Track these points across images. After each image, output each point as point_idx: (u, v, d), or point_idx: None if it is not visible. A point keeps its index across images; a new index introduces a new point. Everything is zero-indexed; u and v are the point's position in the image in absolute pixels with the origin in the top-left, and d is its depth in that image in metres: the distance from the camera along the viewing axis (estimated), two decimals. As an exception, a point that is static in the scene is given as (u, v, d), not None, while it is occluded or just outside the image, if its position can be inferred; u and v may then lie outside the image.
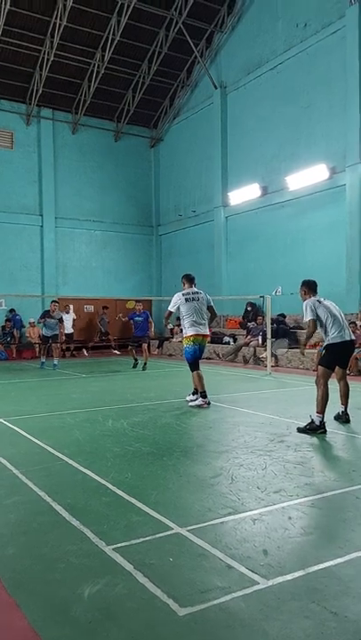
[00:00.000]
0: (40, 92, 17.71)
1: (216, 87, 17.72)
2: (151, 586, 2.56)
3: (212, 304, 7.71)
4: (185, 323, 7.41)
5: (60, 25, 15.76)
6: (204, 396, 7.45)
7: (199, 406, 7.40)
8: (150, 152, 21.31)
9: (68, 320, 17.70)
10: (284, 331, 14.00)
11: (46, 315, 13.62)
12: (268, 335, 12.27)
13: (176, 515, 3.45)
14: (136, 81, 18.83)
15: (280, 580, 2.61)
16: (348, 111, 13.29)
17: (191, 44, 17.09)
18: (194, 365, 7.54)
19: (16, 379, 11.70)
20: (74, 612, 2.38)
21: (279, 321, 14.15)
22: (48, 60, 16.83)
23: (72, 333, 17.80)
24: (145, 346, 12.98)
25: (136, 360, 13.15)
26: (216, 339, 16.56)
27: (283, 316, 14.36)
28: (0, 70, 17.22)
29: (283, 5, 15.33)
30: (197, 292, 7.51)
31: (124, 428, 6.21)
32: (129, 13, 15.70)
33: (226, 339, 16.09)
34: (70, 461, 4.75)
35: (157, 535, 3.15)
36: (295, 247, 15.04)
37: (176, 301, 7.40)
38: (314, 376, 11.42)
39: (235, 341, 15.58)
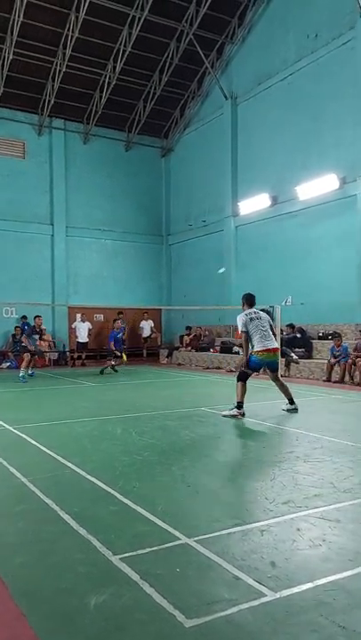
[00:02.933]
0: (52, 102, 17.93)
1: (227, 98, 17.83)
2: (158, 597, 2.54)
3: (272, 323, 8.10)
4: (253, 340, 7.61)
5: (72, 36, 15.99)
6: (239, 406, 7.45)
7: (233, 416, 7.35)
8: (161, 162, 21.45)
9: (84, 329, 17.80)
10: (305, 340, 14.00)
11: (32, 330, 13.68)
12: (279, 345, 12.22)
13: (184, 525, 3.43)
14: (147, 91, 19.01)
15: (288, 592, 2.58)
16: (359, 121, 13.30)
17: (202, 55, 17.24)
18: (244, 376, 7.61)
19: (26, 387, 11.74)
20: (80, 623, 2.37)
21: (302, 330, 14.18)
22: (60, 71, 17.06)
23: (87, 342, 17.88)
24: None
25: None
26: (225, 348, 16.56)
27: (292, 326, 14.31)
28: (13, 81, 17.47)
29: (293, 16, 15.43)
30: (258, 312, 7.84)
31: (133, 437, 6.20)
32: (140, 25, 15.89)
33: (235, 348, 16.03)
34: (78, 470, 4.75)
35: (164, 545, 3.13)
36: (305, 257, 15.01)
37: (243, 321, 7.64)
38: (324, 387, 11.38)
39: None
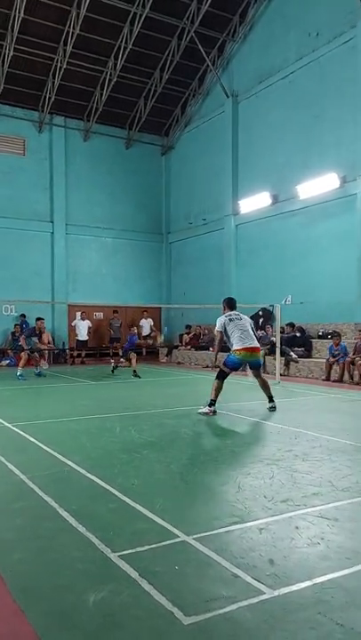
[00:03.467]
0: (52, 99, 17.90)
1: (228, 96, 17.80)
2: (156, 594, 2.55)
3: (253, 327, 8.11)
4: (232, 340, 7.69)
5: (73, 33, 15.95)
6: (211, 404, 7.50)
7: (205, 414, 7.41)
8: (161, 160, 21.42)
9: (84, 327, 17.79)
10: (304, 339, 14.00)
11: (32, 332, 13.69)
12: (278, 344, 12.25)
13: (182, 523, 3.44)
14: (148, 89, 18.98)
15: (286, 590, 2.59)
16: (360, 120, 13.29)
17: (203, 52, 17.21)
18: (222, 375, 7.63)
19: (25, 385, 11.74)
20: (78, 619, 2.37)
21: (301, 329, 14.18)
22: (61, 67, 17.02)
23: (87, 340, 17.87)
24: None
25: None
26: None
27: (292, 325, 14.31)
28: (13, 78, 17.43)
29: (295, 15, 15.40)
30: (239, 314, 7.93)
31: (132, 434, 6.21)
32: (141, 22, 15.86)
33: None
34: (77, 468, 4.76)
35: (163, 543, 3.14)
36: (306, 256, 15.00)
37: (221, 322, 7.78)
38: (323, 386, 11.39)
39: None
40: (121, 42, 16.71)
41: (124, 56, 16.89)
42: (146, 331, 19.37)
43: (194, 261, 19.87)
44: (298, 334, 14.10)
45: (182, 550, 3.05)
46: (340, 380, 11.68)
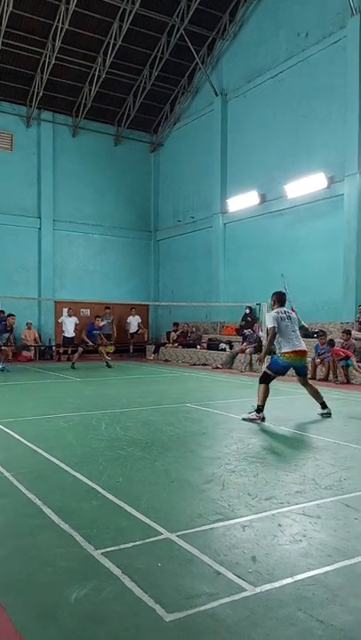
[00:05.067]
0: (41, 94, 17.77)
1: (217, 94, 17.81)
2: (138, 591, 2.55)
3: (303, 324, 7.68)
4: (281, 340, 7.21)
5: (62, 28, 15.84)
6: (259, 410, 7.04)
7: (252, 420, 6.95)
8: (150, 157, 21.38)
9: (71, 324, 17.70)
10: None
11: (3, 328, 13.75)
12: (264, 342, 12.29)
13: (166, 520, 3.44)
14: (137, 86, 18.92)
15: (268, 587, 2.61)
16: (348, 121, 13.37)
17: (193, 50, 17.19)
18: (267, 378, 7.19)
19: (10, 381, 11.66)
20: (60, 616, 2.37)
21: None
22: (49, 62, 16.89)
23: (73, 337, 17.78)
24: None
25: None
26: (212, 345, 16.61)
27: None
28: (1, 72, 17.28)
29: (284, 14, 15.45)
30: (288, 312, 7.42)
31: (117, 432, 6.20)
32: (131, 18, 15.80)
33: (222, 345, 16.10)
34: (62, 465, 4.74)
35: (147, 540, 3.14)
36: (293, 255, 15.08)
37: (275, 317, 7.21)
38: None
39: (231, 348, 15.60)
40: (110, 38, 16.63)
41: (114, 52, 16.82)
42: (133, 328, 19.35)
43: (182, 259, 19.87)
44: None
45: (165, 547, 3.06)
46: (326, 379, 11.76)
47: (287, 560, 2.91)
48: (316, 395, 7.43)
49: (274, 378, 7.18)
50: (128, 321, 19.26)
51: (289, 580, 2.67)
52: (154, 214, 21.39)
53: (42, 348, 18.25)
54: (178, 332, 18.27)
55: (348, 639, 2.21)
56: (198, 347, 17.01)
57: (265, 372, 7.28)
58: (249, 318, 15.52)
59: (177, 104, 19.86)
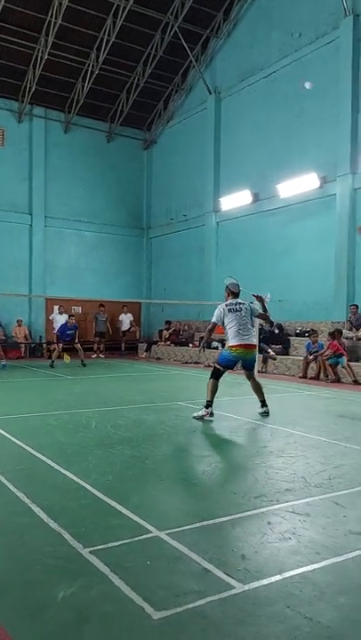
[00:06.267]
0: (33, 89, 17.65)
1: (210, 92, 17.80)
2: (126, 589, 2.54)
3: (260, 312, 7.49)
4: (228, 334, 7.10)
5: (55, 23, 15.74)
6: (207, 405, 6.92)
7: (202, 417, 6.83)
8: (143, 154, 21.33)
9: (62, 321, 17.61)
10: (283, 337, 14.10)
11: None
12: (256, 341, 12.32)
13: (156, 518, 3.44)
14: (130, 83, 18.86)
15: (256, 584, 2.61)
16: (340, 122, 13.41)
17: (187, 48, 17.16)
18: (217, 373, 7.05)
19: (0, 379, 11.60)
20: (47, 615, 2.35)
21: (280, 327, 14.28)
22: (42, 58, 16.79)
23: None
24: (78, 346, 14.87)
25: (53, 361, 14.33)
26: (207, 344, 16.55)
27: (271, 322, 14.40)
28: (-6, 67, 17.15)
29: (278, 14, 15.45)
30: (241, 303, 7.21)
31: (108, 430, 6.18)
32: (125, 15, 15.73)
33: (214, 344, 16.08)
34: (51, 463, 4.72)
35: (136, 538, 3.13)
36: (285, 254, 15.11)
37: (219, 313, 7.07)
38: (300, 383, 11.51)
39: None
40: (104, 34, 16.56)
41: (107, 49, 16.75)
42: (125, 326, 19.31)
43: (174, 257, 19.85)
44: (277, 331, 14.21)
45: (155, 545, 3.05)
46: (317, 378, 11.81)
47: (276, 558, 2.92)
48: (259, 391, 7.32)
49: (224, 372, 7.08)
50: (120, 319, 19.21)
51: (277, 578, 2.68)
52: (146, 212, 21.35)
53: (32, 345, 18.16)
54: (170, 331, 18.26)
55: (335, 636, 2.22)
56: (190, 345, 17.01)
57: (215, 366, 7.15)
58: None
59: (170, 102, 19.82)
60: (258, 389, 7.33)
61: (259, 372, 12.42)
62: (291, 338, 14.20)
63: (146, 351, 18.40)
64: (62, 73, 17.99)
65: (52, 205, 19.00)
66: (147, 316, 21.35)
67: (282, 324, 14.47)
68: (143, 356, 18.38)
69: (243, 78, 16.64)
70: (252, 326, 7.19)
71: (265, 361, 13.51)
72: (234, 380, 9.67)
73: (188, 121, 19.21)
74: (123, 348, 18.99)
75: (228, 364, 7.06)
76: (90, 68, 17.67)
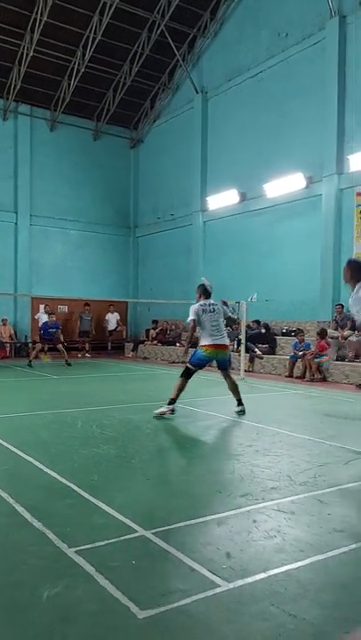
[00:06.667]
0: (18, 87, 17.50)
1: (197, 92, 17.80)
2: (112, 588, 2.54)
3: (231, 315, 7.64)
4: (201, 333, 7.19)
5: (40, 20, 15.61)
6: (171, 402, 6.95)
7: (162, 414, 6.87)
8: (130, 153, 21.27)
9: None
10: (269, 336, 14.17)
11: None
12: (243, 340, 12.39)
13: (141, 517, 3.43)
14: (117, 81, 18.79)
15: (241, 582, 2.62)
16: (326, 122, 13.50)
17: (173, 47, 17.13)
18: (188, 373, 7.08)
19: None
20: (31, 615, 2.34)
21: (267, 326, 14.34)
22: (28, 55, 16.65)
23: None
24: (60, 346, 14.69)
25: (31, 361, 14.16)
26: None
27: (258, 322, 14.47)
28: (-21, 64, 16.97)
29: (265, 14, 15.50)
30: (214, 304, 7.29)
31: (93, 430, 6.16)
32: (111, 13, 15.66)
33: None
34: (36, 463, 4.69)
35: (121, 538, 3.13)
36: (271, 254, 15.18)
37: (195, 310, 7.10)
38: (286, 382, 11.57)
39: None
40: (90, 32, 16.47)
41: (93, 46, 16.65)
42: (112, 325, 19.25)
43: (161, 256, 19.83)
44: (263, 331, 14.28)
45: (140, 545, 3.05)
46: (303, 377, 11.88)
47: (261, 556, 2.93)
48: (235, 390, 7.36)
49: (195, 372, 7.12)
50: (107, 318, 19.14)
51: (262, 576, 2.69)
52: (133, 211, 21.30)
53: (17, 345, 18.02)
54: (157, 330, 18.24)
55: (319, 633, 2.24)
56: (177, 344, 17.00)
57: (187, 365, 7.18)
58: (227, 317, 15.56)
59: (157, 100, 19.78)
60: (234, 388, 7.37)
61: (246, 370, 12.49)
62: (277, 337, 14.27)
63: (132, 351, 18.36)
64: (48, 70, 17.86)
65: (38, 204, 18.86)
66: (133, 316, 21.30)
67: (268, 323, 14.54)
68: (130, 355, 18.34)
69: (230, 78, 16.67)
70: (225, 327, 7.30)
71: (251, 360, 13.57)
72: (222, 380, 9.68)
73: (176, 120, 19.19)
74: (109, 348, 18.93)
75: (200, 364, 7.13)
76: (76, 66, 17.57)
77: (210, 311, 7.16)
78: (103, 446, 5.36)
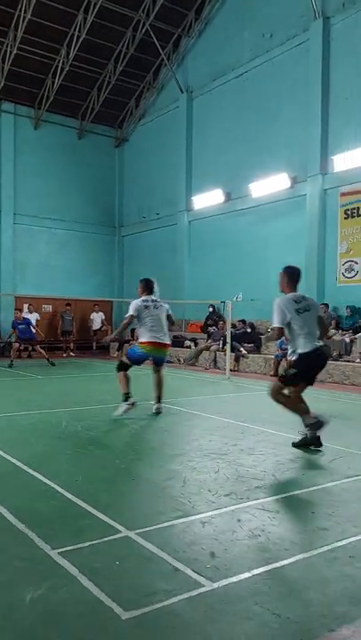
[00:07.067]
0: (2, 85, 17.35)
1: (182, 91, 17.80)
2: (95, 590, 2.52)
3: (170, 313, 7.39)
4: (140, 330, 6.99)
5: (24, 18, 15.49)
6: (126, 398, 6.82)
7: (125, 412, 6.72)
8: (115, 152, 21.19)
9: (32, 320, 17.34)
10: (255, 335, 14.22)
11: None
12: (228, 339, 12.41)
13: (126, 518, 3.42)
14: (102, 80, 18.71)
15: (225, 582, 2.62)
16: (310, 123, 13.59)
17: (158, 46, 17.11)
18: (123, 366, 6.94)
19: (-31, 378, 11.36)
20: (14, 617, 2.31)
21: (252, 326, 14.38)
22: (11, 52, 16.51)
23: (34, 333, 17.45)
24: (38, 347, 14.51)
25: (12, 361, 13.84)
26: (177, 342, 16.60)
27: (243, 321, 14.52)
28: None
29: (250, 15, 15.55)
30: (156, 301, 7.13)
31: (78, 430, 6.12)
32: (96, 11, 15.59)
33: (187, 342, 16.14)
34: (19, 464, 4.64)
35: (105, 539, 3.11)
36: (256, 254, 15.23)
37: (136, 306, 6.93)
38: (271, 381, 11.61)
39: (195, 345, 15.66)
40: (74, 30, 16.37)
41: (78, 45, 16.56)
42: (97, 325, 19.15)
43: (147, 256, 19.79)
44: (249, 330, 14.34)
45: (124, 545, 3.04)
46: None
47: (245, 555, 2.94)
48: (159, 387, 7.19)
49: (131, 366, 6.97)
50: (91, 317, 19.04)
51: (247, 575, 2.69)
52: (118, 210, 21.22)
53: (1, 344, 17.84)
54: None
55: (303, 632, 2.24)
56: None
57: (122, 360, 7.07)
58: (214, 317, 15.64)
59: (142, 100, 19.74)
60: (159, 385, 7.21)
61: (231, 370, 12.53)
62: (262, 337, 14.32)
63: (118, 350, 18.24)
64: (32, 68, 17.71)
65: (22, 202, 18.71)
66: (118, 315, 21.19)
67: (253, 322, 14.59)
68: (115, 355, 18.23)
69: (214, 78, 16.70)
70: (166, 325, 7.09)
71: (237, 359, 13.61)
72: (208, 380, 9.72)
73: (160, 119, 19.17)
74: (94, 348, 18.83)
75: (136, 360, 6.94)
76: (60, 65, 17.46)
77: (153, 307, 6.97)
78: (88, 446, 5.33)
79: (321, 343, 5.55)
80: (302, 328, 5.34)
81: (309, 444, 5.32)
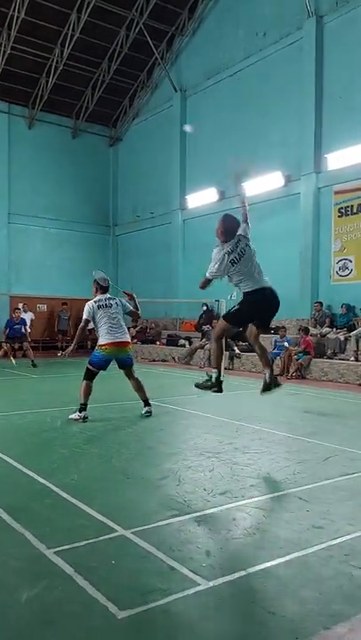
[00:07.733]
0: (-4, 84, 17.28)
1: (176, 90, 17.78)
2: (91, 589, 2.52)
3: (130, 309, 7.23)
4: (99, 332, 6.71)
5: (17, 17, 15.43)
6: (81, 409, 6.58)
7: (76, 420, 6.49)
8: (109, 151, 21.16)
9: (27, 319, 17.29)
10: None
11: None
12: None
13: (121, 517, 3.42)
14: (95, 79, 18.67)
15: (221, 580, 2.62)
16: (304, 121, 13.62)
17: (152, 45, 17.09)
18: (90, 374, 6.71)
19: None
20: (10, 617, 2.31)
21: None
22: (5, 52, 16.44)
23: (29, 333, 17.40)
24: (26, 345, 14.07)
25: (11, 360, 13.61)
26: (171, 341, 16.63)
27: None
28: None
29: (243, 14, 15.56)
30: (111, 299, 6.92)
31: (73, 429, 6.11)
32: (89, 10, 15.54)
33: (181, 341, 16.15)
34: (14, 463, 4.63)
35: (101, 538, 3.11)
36: (250, 252, 15.22)
37: (89, 309, 6.71)
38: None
39: (190, 344, 15.67)
40: (68, 29, 16.32)
41: (71, 44, 16.51)
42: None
43: (141, 255, 19.77)
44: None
45: (120, 545, 3.04)
46: (281, 374, 11.97)
47: (240, 553, 2.95)
48: (140, 390, 6.98)
49: (97, 373, 6.72)
50: (86, 317, 18.99)
51: (242, 574, 2.70)
52: (113, 209, 21.19)
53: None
54: (137, 328, 18.18)
55: (298, 630, 2.25)
56: (158, 343, 17.00)
57: (87, 367, 6.74)
58: (205, 312, 15.63)
59: (136, 99, 19.71)
60: (139, 388, 6.99)
61: (226, 368, 12.53)
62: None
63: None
64: (26, 68, 17.65)
65: (17, 202, 18.65)
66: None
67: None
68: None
69: (208, 76, 16.69)
70: (124, 323, 6.89)
71: (231, 359, 13.62)
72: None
73: (155, 118, 19.15)
74: (89, 347, 18.78)
75: (100, 365, 6.67)
76: (54, 64, 17.40)
77: (106, 306, 6.74)
78: (83, 446, 5.33)
79: (269, 284, 5.53)
80: (241, 273, 5.43)
81: (208, 387, 5.39)
